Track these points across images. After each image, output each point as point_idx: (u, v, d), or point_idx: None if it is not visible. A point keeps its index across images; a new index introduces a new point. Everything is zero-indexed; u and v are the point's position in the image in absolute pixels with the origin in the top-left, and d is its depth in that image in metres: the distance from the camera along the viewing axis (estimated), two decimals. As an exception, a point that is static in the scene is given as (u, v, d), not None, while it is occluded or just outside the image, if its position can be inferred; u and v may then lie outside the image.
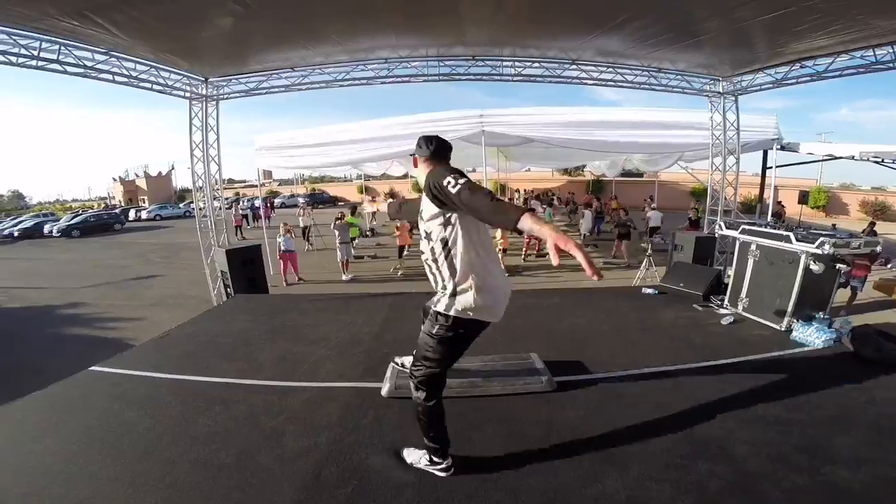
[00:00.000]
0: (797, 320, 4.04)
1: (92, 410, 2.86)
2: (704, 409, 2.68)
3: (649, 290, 5.64)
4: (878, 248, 4.60)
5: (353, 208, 12.04)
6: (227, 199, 30.89)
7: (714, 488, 1.97)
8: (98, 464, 2.26)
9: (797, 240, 4.81)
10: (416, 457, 2.19)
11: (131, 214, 30.84)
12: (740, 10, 4.34)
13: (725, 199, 8.06)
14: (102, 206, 42.40)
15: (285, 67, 7.11)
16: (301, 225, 11.71)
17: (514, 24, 5.51)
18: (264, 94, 7.63)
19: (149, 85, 6.43)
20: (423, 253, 2.01)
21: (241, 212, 18.67)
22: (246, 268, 6.86)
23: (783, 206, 14.77)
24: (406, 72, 7.13)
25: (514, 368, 3.17)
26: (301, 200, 24.88)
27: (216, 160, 7.77)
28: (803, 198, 15.35)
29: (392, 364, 3.21)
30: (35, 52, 5.00)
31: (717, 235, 6.04)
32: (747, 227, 5.57)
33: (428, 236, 1.94)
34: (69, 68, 5.35)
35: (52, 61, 5.17)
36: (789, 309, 4.14)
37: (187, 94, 7.13)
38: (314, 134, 9.08)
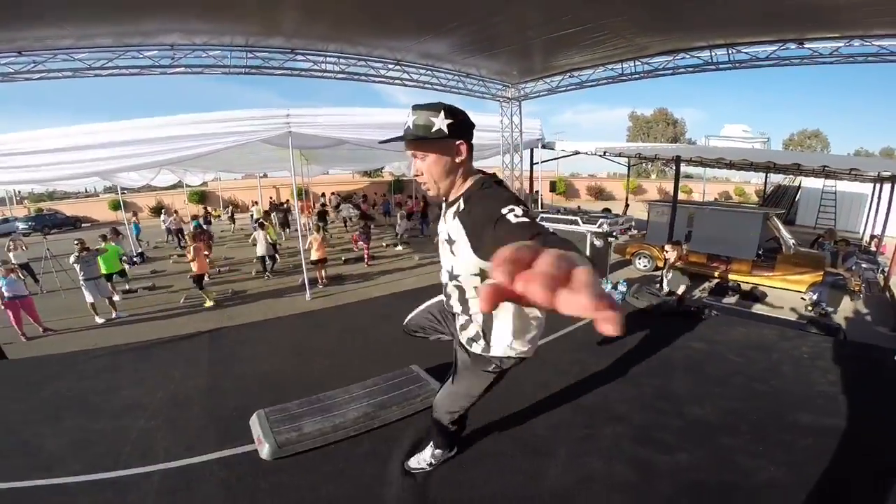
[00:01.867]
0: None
1: None
2: (588, 380, 3.02)
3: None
4: (633, 223, 6.35)
5: (114, 231, 8.90)
6: None
7: (621, 442, 2.31)
8: None
9: (583, 222, 6.11)
10: (426, 456, 2.23)
11: None
12: (549, 24, 5.01)
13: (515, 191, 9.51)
14: None
15: (7, 51, 5.05)
16: (14, 262, 7.61)
17: (352, 20, 5.14)
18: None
19: None
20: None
21: None
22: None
23: (539, 194, 18.38)
24: (199, 62, 5.85)
25: (401, 387, 2.96)
26: (21, 226, 18.06)
27: None
28: (553, 186, 19.57)
29: (256, 415, 2.62)
30: None
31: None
32: (544, 214, 6.77)
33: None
34: None
35: None
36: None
37: None
38: (36, 138, 6.25)
